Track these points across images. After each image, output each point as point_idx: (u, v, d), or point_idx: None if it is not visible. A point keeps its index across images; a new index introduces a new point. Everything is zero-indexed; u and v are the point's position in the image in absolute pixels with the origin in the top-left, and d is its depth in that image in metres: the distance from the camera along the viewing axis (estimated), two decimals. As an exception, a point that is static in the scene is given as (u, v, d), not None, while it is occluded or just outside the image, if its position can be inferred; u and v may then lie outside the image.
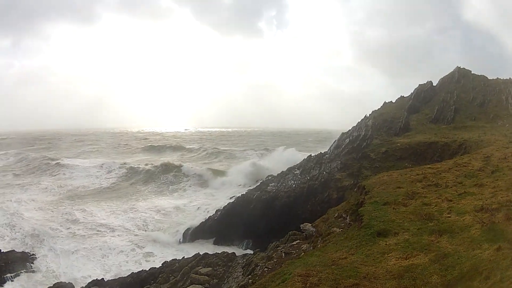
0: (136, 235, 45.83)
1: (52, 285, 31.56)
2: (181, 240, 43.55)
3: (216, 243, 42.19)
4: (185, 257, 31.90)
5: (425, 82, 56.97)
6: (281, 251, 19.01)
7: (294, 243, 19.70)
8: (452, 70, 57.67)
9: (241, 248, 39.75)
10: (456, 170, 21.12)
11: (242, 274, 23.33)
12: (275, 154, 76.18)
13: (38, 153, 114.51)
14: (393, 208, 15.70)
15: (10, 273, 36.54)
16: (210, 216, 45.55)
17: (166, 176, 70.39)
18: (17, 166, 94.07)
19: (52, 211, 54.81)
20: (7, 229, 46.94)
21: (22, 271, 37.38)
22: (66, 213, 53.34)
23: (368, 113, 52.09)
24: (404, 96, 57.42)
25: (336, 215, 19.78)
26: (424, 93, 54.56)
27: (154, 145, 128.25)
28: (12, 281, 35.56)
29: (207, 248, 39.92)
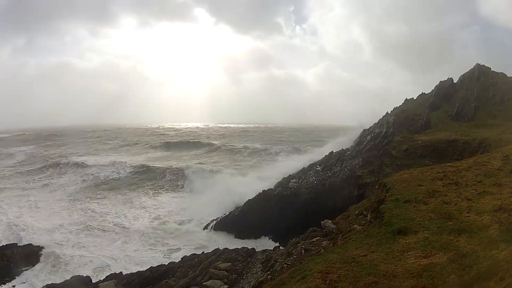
0: (154, 228, 46.29)
1: (69, 278, 31.91)
2: (201, 235, 43.87)
3: (237, 237, 42.52)
4: (204, 252, 32.02)
5: (445, 79, 56.56)
6: (301, 247, 18.99)
7: (314, 239, 19.66)
8: (472, 67, 57.13)
9: (261, 243, 39.79)
10: (476, 169, 20.99)
11: (261, 270, 23.35)
12: None
13: (53, 150, 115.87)
14: (414, 206, 15.70)
15: (26, 266, 37.17)
16: (231, 211, 45.83)
17: (188, 174, 69.38)
18: (30, 162, 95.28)
19: (68, 208, 55.89)
20: (22, 225, 47.97)
21: (38, 264, 37.99)
22: (82, 209, 54.30)
23: (389, 109, 51.92)
24: (425, 92, 57.09)
25: (357, 212, 19.75)
26: (445, 90, 54.14)
27: (172, 141, 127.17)
28: (28, 273, 36.24)
29: (228, 241, 40.25)
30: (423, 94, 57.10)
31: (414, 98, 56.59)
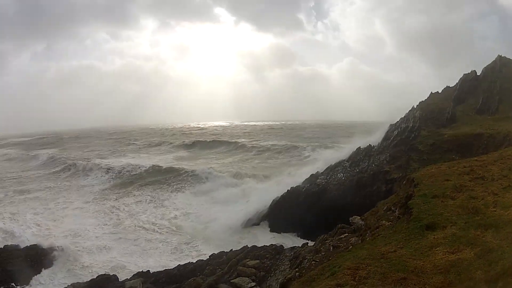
0: (178, 227, 46.75)
1: (95, 277, 32.19)
2: (231, 233, 44.12)
3: (266, 234, 42.72)
4: (232, 250, 32.19)
5: (469, 72, 56.00)
6: (329, 244, 19.05)
7: (342, 236, 19.69)
8: (493, 59, 56.45)
9: (289, 240, 39.83)
10: (501, 163, 20.84)
11: (289, 267, 23.41)
12: None
13: (76, 152, 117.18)
14: (442, 201, 15.68)
15: (48, 266, 37.96)
16: (259, 209, 46.01)
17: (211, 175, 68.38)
18: (54, 164, 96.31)
19: (91, 208, 56.66)
20: (44, 225, 49.04)
21: (64, 263, 38.49)
22: (104, 209, 55.45)
23: (412, 104, 51.55)
24: (450, 86, 56.57)
25: (385, 208, 19.76)
26: (469, 83, 53.50)
27: (197, 140, 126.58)
28: (48, 273, 36.97)
29: (256, 238, 40.43)
30: (448, 87, 56.55)
31: (439, 92, 56.09)
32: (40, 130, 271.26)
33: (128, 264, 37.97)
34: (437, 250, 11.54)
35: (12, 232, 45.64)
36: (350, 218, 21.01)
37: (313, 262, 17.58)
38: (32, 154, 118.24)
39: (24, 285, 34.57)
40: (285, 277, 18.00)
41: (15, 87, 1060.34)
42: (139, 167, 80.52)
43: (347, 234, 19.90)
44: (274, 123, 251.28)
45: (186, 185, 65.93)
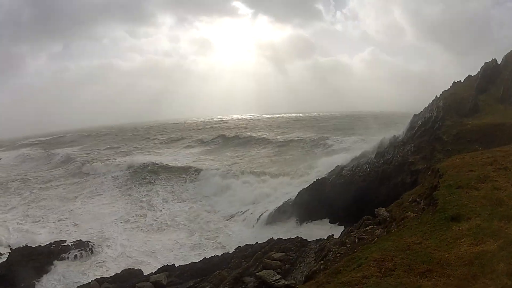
0: (208, 221, 46.96)
1: (120, 272, 32.71)
2: (255, 225, 44.50)
3: (291, 227, 43.03)
4: (258, 242, 32.37)
5: (489, 60, 55.34)
6: (354, 236, 19.03)
7: (368, 228, 19.70)
8: (513, 47, 55.57)
9: (314, 232, 39.79)
10: (523, 154, 20.82)
11: (314, 259, 23.46)
12: None
13: (98, 149, 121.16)
14: (466, 192, 15.67)
15: (73, 261, 39.25)
16: (284, 201, 46.17)
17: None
18: (73, 162, 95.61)
19: (117, 204, 57.81)
20: (71, 222, 50.60)
21: (88, 258, 39.88)
22: (128, 203, 57.14)
23: (435, 93, 51.13)
24: (472, 75, 55.97)
25: (410, 199, 19.70)
26: (490, 71, 52.68)
27: (220, 134, 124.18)
28: (73, 266, 38.24)
29: (281, 231, 40.63)
30: (469, 76, 55.87)
31: (461, 81, 55.55)
32: (62, 129, 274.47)
33: (153, 258, 38.59)
34: (461, 242, 11.60)
35: (34, 229, 47.28)
36: (376, 210, 21.02)
37: (338, 254, 17.58)
38: (53, 152, 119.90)
39: (50, 279, 35.39)
40: (310, 270, 17.94)
41: (34, 88, 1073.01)
42: (160, 163, 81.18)
43: (372, 226, 19.90)
44: (296, 115, 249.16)
45: (207, 181, 65.69)
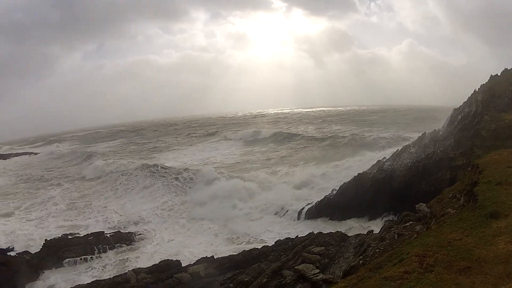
0: (247, 213, 47.53)
1: (158, 262, 32.87)
2: (295, 218, 44.86)
3: (331, 220, 43.31)
4: (298, 236, 32.49)
5: (525, 53, 53.86)
6: (394, 232, 19.22)
7: (407, 224, 19.83)
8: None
9: (354, 227, 39.91)
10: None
11: (354, 254, 23.49)
12: None
13: (133, 145, 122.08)
14: (505, 188, 15.81)
15: (112, 250, 40.23)
16: (326, 195, 46.32)
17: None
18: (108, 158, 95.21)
19: (154, 196, 59.16)
20: (111, 212, 52.28)
21: (126, 249, 40.69)
22: (162, 201, 56.93)
23: (476, 87, 50.41)
24: (507, 68, 54.81)
25: (450, 195, 19.78)
26: (526, 64, 51.73)
27: (258, 130, 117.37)
28: (113, 255, 39.34)
29: (321, 225, 41.00)
30: (506, 70, 54.73)
31: (498, 75, 54.53)
32: (98, 124, 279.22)
33: (192, 249, 39.08)
34: (499, 240, 11.77)
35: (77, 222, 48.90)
36: (417, 206, 21.12)
37: (377, 250, 17.79)
38: (88, 148, 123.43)
39: (89, 270, 36.52)
40: (349, 265, 18.23)
41: (69, 86, 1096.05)
42: (195, 161, 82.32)
43: (412, 222, 20.03)
44: (335, 108, 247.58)
45: (248, 176, 64.24)
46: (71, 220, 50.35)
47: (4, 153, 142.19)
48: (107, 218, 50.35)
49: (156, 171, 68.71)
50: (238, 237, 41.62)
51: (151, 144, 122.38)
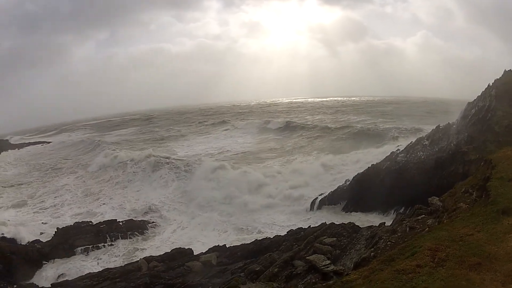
0: (261, 204, 47.42)
1: (170, 251, 33.30)
2: (308, 209, 45.18)
3: (343, 211, 43.69)
4: (311, 226, 32.55)
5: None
6: (406, 225, 19.26)
7: (419, 217, 19.84)
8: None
9: (367, 218, 39.93)
10: None
11: (365, 246, 23.48)
12: None
13: (147, 133, 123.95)
14: (517, 185, 15.79)
15: (125, 239, 40.87)
16: (339, 185, 46.62)
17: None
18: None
19: (167, 185, 59.68)
20: (123, 200, 52.87)
21: (138, 237, 41.35)
22: (175, 188, 57.69)
23: (491, 81, 50.13)
24: (521, 63, 54.19)
25: (463, 190, 19.79)
26: (539, 60, 51.21)
27: (269, 120, 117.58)
28: (126, 244, 40.03)
29: (334, 216, 41.12)
30: (519, 64, 54.27)
31: (512, 70, 54.01)
32: (111, 112, 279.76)
33: (204, 238, 39.59)
34: (509, 237, 11.86)
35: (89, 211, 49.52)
36: (429, 199, 21.13)
37: (389, 242, 17.84)
38: (101, 137, 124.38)
39: (100, 258, 37.32)
40: (360, 257, 18.24)
41: (82, 75, 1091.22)
42: (211, 150, 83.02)
43: (424, 215, 20.03)
44: (349, 99, 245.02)
45: (263, 166, 64.97)
46: (86, 207, 51.15)
47: (16, 142, 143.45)
48: (121, 204, 51.12)
49: (168, 161, 68.75)
50: (248, 228, 41.85)
51: (164, 132, 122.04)
